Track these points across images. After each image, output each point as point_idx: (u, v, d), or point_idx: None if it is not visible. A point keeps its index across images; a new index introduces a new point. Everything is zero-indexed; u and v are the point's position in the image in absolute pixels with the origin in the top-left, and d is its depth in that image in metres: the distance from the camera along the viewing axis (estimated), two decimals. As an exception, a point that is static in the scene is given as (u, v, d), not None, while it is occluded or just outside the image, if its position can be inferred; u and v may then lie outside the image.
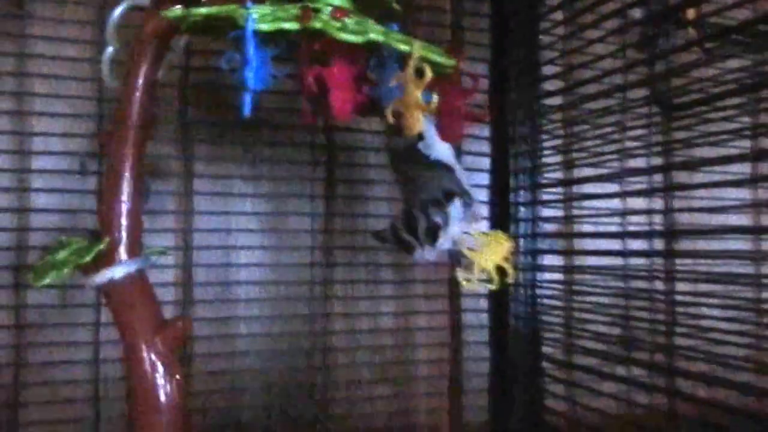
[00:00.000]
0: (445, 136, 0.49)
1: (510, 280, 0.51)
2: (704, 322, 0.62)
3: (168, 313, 0.65)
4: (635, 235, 0.67)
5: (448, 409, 0.77)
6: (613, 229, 0.71)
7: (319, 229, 0.73)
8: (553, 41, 0.69)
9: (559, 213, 0.76)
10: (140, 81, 0.49)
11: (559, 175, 0.73)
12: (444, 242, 0.50)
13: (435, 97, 0.45)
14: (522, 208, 0.72)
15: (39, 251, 0.64)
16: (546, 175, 0.72)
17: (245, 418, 0.70)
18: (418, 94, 0.44)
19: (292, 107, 0.71)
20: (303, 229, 0.73)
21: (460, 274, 0.48)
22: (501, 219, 0.73)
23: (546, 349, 0.70)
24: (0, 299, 0.63)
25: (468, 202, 0.51)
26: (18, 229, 0.64)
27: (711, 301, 0.62)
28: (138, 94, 0.48)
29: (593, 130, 0.68)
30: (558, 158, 0.72)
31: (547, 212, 0.73)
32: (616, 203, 0.71)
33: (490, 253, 0.50)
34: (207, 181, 0.70)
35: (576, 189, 0.78)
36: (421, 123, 0.45)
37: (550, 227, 0.74)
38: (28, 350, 0.64)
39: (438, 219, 0.50)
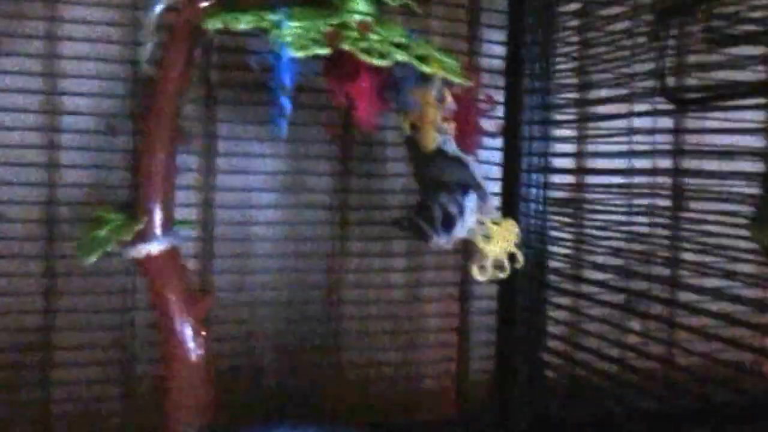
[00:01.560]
0: (462, 144, 0.51)
1: (519, 266, 0.54)
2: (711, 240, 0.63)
3: (190, 264, 0.70)
4: (641, 154, 0.69)
5: (455, 358, 0.81)
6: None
7: (336, 189, 0.76)
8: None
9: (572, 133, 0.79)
10: (175, 72, 0.51)
11: (572, 95, 0.75)
12: (459, 231, 0.54)
13: (451, 127, 0.47)
14: (534, 126, 0.74)
15: (68, 207, 0.67)
16: (558, 95, 0.74)
17: (260, 363, 0.75)
18: (437, 115, 0.47)
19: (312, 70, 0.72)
20: (320, 189, 0.76)
21: (475, 268, 0.52)
22: (512, 138, 0.75)
23: (552, 278, 0.74)
24: (31, 252, 0.67)
25: (481, 195, 0.54)
26: (48, 184, 0.67)
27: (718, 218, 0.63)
28: (173, 84, 0.51)
29: (609, 53, 0.68)
30: (572, 80, 0.73)
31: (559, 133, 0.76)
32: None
33: (501, 241, 0.54)
34: (228, 141, 0.73)
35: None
36: (437, 141, 0.48)
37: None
38: (59, 316, 0.67)
39: (453, 209, 0.53)
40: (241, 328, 0.73)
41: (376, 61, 0.44)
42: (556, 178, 0.77)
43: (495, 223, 0.54)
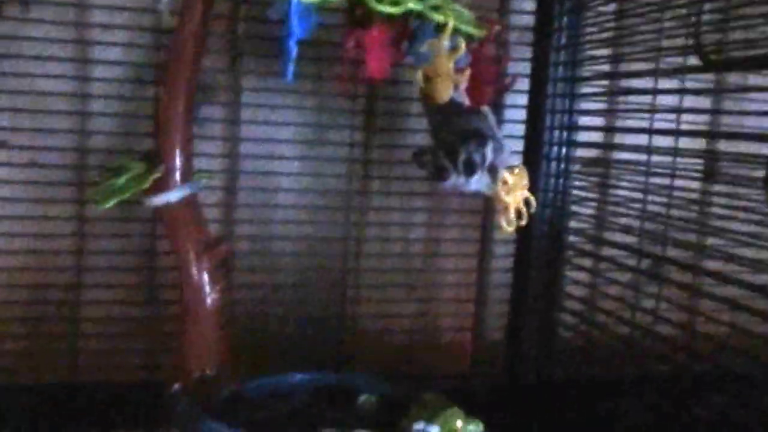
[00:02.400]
0: (470, 99, 0.51)
1: (533, 209, 0.54)
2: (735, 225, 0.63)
3: (213, 214, 0.72)
4: (664, 132, 0.65)
5: (472, 314, 0.83)
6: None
7: (359, 143, 0.77)
8: None
9: (597, 106, 0.77)
10: (193, 25, 0.52)
11: (601, 52, 0.73)
12: (477, 179, 0.54)
13: (465, 76, 0.47)
14: (560, 83, 0.73)
15: (98, 154, 0.69)
16: (586, 68, 0.73)
17: (279, 312, 0.77)
18: (449, 65, 0.46)
19: (335, 23, 0.72)
20: (344, 142, 0.76)
21: (504, 221, 0.52)
22: (536, 94, 0.74)
23: (571, 239, 0.74)
24: (63, 197, 0.69)
25: (498, 145, 0.54)
26: (79, 132, 0.69)
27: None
28: (191, 36, 0.51)
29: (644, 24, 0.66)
30: (602, 51, 0.71)
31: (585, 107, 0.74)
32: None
33: (517, 189, 0.54)
34: (253, 93, 0.73)
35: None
36: (450, 92, 0.47)
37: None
38: (89, 257, 0.70)
39: (477, 157, 0.53)
40: (262, 277, 0.75)
41: (388, 9, 0.44)
42: (582, 137, 0.76)
43: (509, 170, 0.54)
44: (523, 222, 0.54)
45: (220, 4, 0.69)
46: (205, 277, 0.56)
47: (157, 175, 0.52)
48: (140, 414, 0.67)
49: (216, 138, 0.73)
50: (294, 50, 0.42)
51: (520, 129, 0.77)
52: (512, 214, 0.53)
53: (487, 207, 0.81)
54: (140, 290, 0.72)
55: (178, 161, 0.54)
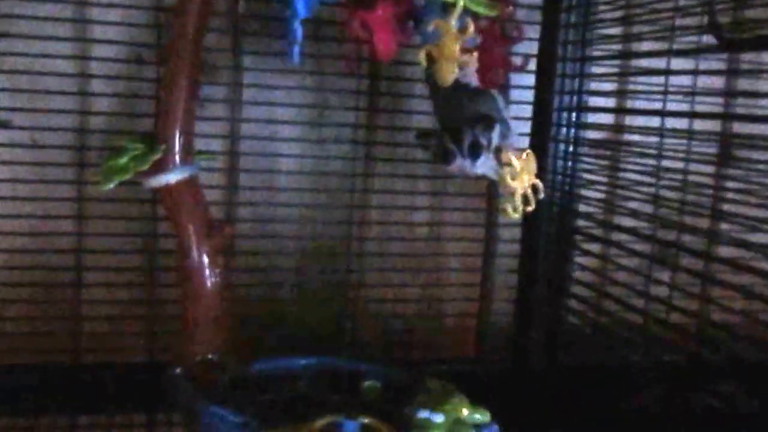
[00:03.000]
0: (481, 81, 0.50)
1: (542, 196, 0.53)
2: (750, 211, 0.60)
3: (215, 195, 0.71)
4: (678, 114, 0.64)
5: (477, 298, 0.81)
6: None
7: (363, 124, 0.76)
8: None
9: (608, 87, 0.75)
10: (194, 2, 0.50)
11: (612, 47, 0.72)
12: (485, 161, 0.52)
13: (472, 58, 0.45)
14: (569, 63, 0.72)
15: (98, 135, 0.68)
16: (597, 47, 0.71)
17: (282, 296, 0.76)
18: (455, 47, 0.45)
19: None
20: (346, 123, 0.75)
21: (508, 205, 0.51)
22: (544, 75, 0.73)
23: (579, 223, 0.72)
24: (63, 177, 0.68)
25: (505, 129, 0.53)
26: (80, 112, 0.68)
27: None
28: (192, 13, 0.50)
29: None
30: (614, 30, 0.69)
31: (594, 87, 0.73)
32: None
33: (524, 173, 0.53)
34: (254, 73, 0.72)
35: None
36: (454, 75, 0.46)
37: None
38: (89, 239, 0.69)
39: (483, 140, 0.51)
40: (264, 260, 0.74)
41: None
42: (591, 118, 0.74)
43: (517, 157, 0.53)
44: (530, 208, 0.52)
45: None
46: (206, 259, 0.55)
47: (157, 155, 0.51)
48: (143, 396, 0.67)
49: (217, 119, 0.71)
50: (299, 31, 0.41)
51: (527, 110, 0.75)
52: (518, 200, 0.52)
53: (493, 190, 0.80)
54: (141, 272, 0.71)
55: (177, 142, 0.53)
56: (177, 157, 0.53)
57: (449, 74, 0.46)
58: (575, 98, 0.73)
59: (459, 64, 0.45)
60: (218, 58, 0.70)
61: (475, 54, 0.46)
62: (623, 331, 0.66)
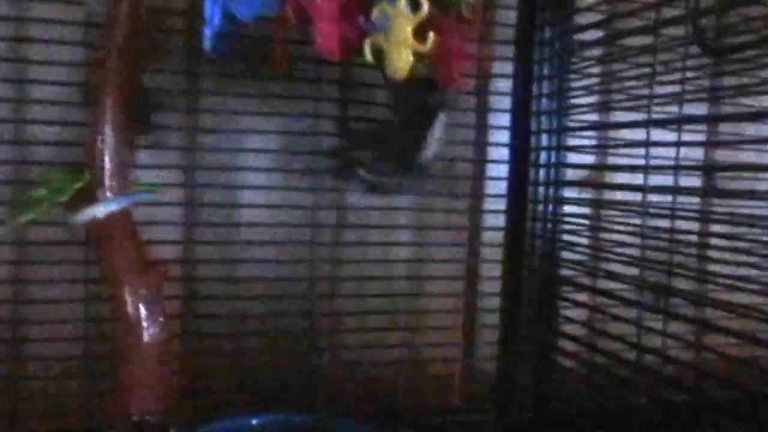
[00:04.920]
0: (440, 79, 0.43)
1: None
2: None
3: (169, 253, 0.64)
4: (659, 168, 0.59)
5: (462, 342, 0.75)
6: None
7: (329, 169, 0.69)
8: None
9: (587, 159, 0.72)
10: (125, 3, 0.44)
11: (587, 117, 0.69)
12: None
13: (431, 37, 0.39)
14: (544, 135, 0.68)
15: (36, 167, 0.60)
16: (573, 117, 0.67)
17: (248, 344, 0.68)
18: (408, 31, 0.38)
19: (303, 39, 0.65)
20: (314, 151, 0.68)
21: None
22: (521, 161, 0.69)
23: (564, 288, 0.68)
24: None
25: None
26: (16, 161, 0.61)
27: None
28: (123, 17, 0.44)
29: (628, 70, 0.61)
30: (589, 99, 0.67)
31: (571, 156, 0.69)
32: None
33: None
34: (213, 116, 0.66)
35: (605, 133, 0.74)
36: (408, 64, 0.39)
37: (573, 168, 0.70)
38: (25, 286, 0.62)
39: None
40: (227, 305, 0.67)
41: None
42: (573, 159, 0.70)
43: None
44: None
45: (174, 17, 0.63)
46: (142, 306, 0.47)
47: (79, 184, 0.44)
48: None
49: (172, 148, 0.65)
50: (216, 18, 0.35)
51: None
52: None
53: (475, 223, 0.73)
54: (79, 325, 0.63)
55: (106, 168, 0.46)
56: (106, 187, 0.46)
57: (402, 63, 0.39)
58: (552, 171, 0.69)
59: (413, 51, 0.39)
60: (172, 81, 0.64)
61: (432, 36, 0.39)
62: (618, 374, 0.59)
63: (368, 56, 0.40)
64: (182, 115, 0.65)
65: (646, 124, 0.56)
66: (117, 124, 0.46)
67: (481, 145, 0.74)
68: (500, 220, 0.73)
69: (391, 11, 0.38)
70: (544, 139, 0.69)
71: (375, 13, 0.39)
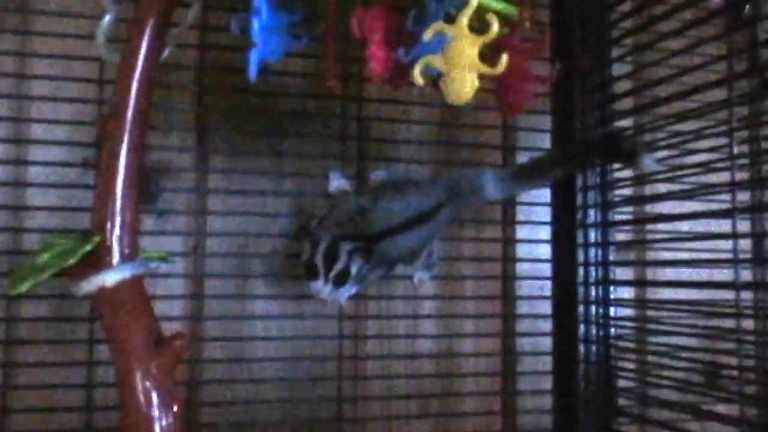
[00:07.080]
0: (508, 103, 0.40)
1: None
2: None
3: (174, 328, 0.58)
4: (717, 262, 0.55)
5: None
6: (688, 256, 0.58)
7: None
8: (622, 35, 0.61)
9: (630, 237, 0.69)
10: (139, 61, 0.41)
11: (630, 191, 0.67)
12: (348, 289, 0.50)
13: (504, 59, 0.36)
14: (591, 230, 0.65)
15: (36, 235, 0.57)
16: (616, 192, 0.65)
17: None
18: (474, 52, 0.35)
19: (318, 93, 0.63)
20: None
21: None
22: (565, 240, 0.66)
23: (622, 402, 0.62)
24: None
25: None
26: (13, 228, 0.57)
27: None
28: (136, 75, 0.41)
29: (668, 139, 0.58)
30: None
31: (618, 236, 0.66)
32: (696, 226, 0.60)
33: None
34: (224, 177, 0.63)
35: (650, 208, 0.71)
36: (475, 89, 0.36)
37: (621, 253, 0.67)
38: (18, 368, 0.57)
39: (354, 266, 0.49)
40: (240, 391, 0.61)
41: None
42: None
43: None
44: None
45: (183, 72, 0.60)
46: (154, 395, 0.41)
47: (86, 248, 0.39)
48: None
49: (179, 233, 0.61)
50: (256, 32, 0.32)
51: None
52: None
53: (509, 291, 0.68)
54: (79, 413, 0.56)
55: (116, 233, 0.41)
56: (115, 253, 0.41)
57: (468, 88, 0.35)
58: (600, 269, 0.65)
59: (479, 74, 0.35)
60: (180, 159, 0.60)
61: (505, 59, 0.35)
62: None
63: (419, 79, 0.36)
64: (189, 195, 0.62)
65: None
66: (130, 185, 0.42)
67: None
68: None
69: (451, 31, 0.35)
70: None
71: (428, 34, 0.35)
